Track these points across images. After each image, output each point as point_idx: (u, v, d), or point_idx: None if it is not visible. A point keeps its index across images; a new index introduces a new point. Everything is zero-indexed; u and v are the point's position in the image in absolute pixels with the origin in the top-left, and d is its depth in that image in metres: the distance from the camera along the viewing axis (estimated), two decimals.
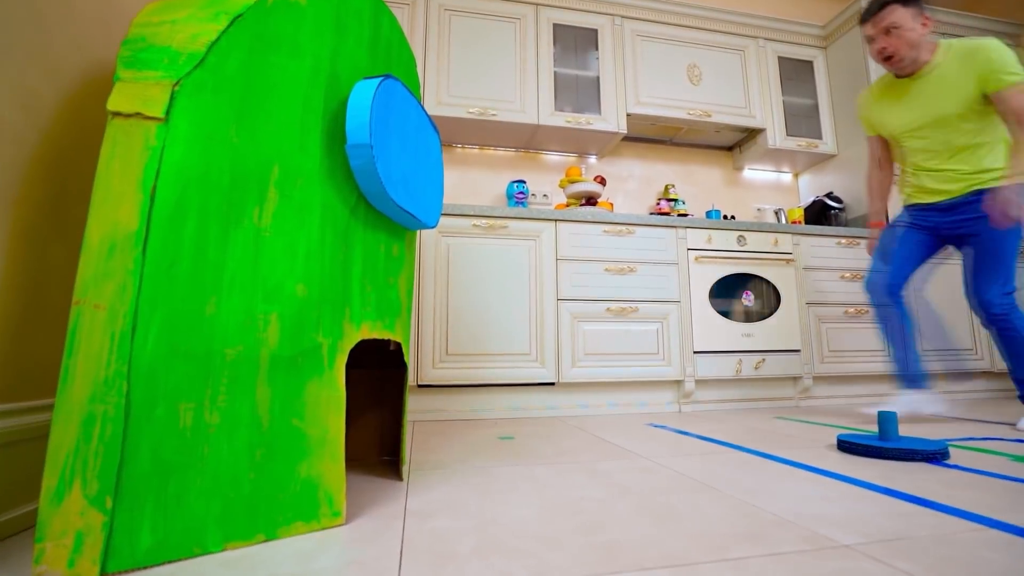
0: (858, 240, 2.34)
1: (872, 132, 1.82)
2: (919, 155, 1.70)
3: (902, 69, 1.60)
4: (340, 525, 0.78)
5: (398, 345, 1.08)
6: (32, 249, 0.81)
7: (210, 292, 0.69)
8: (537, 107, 2.38)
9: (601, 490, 0.93)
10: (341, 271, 0.84)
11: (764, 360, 2.15)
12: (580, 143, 2.59)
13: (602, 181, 2.44)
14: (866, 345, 2.26)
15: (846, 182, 2.66)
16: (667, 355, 2.07)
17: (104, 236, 0.66)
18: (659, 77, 2.53)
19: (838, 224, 2.60)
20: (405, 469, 1.04)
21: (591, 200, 2.39)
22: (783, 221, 2.72)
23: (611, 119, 2.46)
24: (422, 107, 1.04)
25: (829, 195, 2.60)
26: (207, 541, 0.67)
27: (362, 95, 0.83)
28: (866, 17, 1.60)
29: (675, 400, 2.13)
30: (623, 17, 2.55)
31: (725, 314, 2.15)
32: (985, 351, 2.38)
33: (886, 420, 1.23)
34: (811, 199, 2.72)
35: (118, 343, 0.63)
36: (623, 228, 2.10)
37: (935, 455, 1.12)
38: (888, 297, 1.71)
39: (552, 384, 2.00)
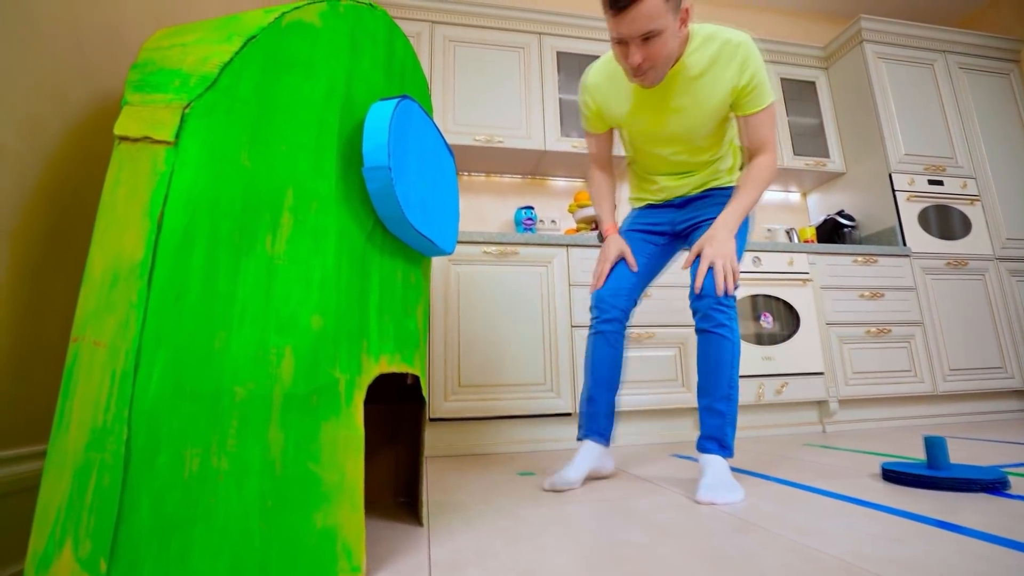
0: (875, 258, 2.29)
1: (600, 128, 1.38)
2: (655, 160, 1.36)
3: (653, 83, 1.16)
4: None
5: (415, 379, 1.01)
6: (31, 283, 0.76)
7: (219, 325, 0.64)
8: (543, 133, 2.38)
9: (641, 532, 0.86)
10: (358, 301, 0.79)
11: (786, 384, 2.07)
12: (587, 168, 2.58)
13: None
14: (892, 366, 2.19)
15: (856, 200, 2.63)
16: (686, 381, 2.00)
17: (107, 267, 0.61)
18: None
19: (851, 242, 2.56)
20: (424, 513, 0.96)
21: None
22: (795, 241, 2.68)
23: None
24: (438, 129, 1.01)
25: (840, 213, 2.57)
26: None
27: (379, 116, 0.79)
28: (616, 4, 1.04)
29: (695, 427, 2.04)
30: None
31: (744, 337, 2.09)
32: (1015, 369, 2.30)
33: (935, 446, 1.15)
34: (822, 218, 2.69)
35: (119, 383, 0.57)
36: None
37: (994, 485, 1.04)
38: (621, 316, 1.32)
39: (568, 415, 1.92)
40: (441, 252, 0.99)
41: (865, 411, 2.20)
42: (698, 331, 1.22)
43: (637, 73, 1.13)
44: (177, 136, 0.66)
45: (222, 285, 0.65)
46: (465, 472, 1.48)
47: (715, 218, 1.29)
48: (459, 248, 1.93)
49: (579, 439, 1.30)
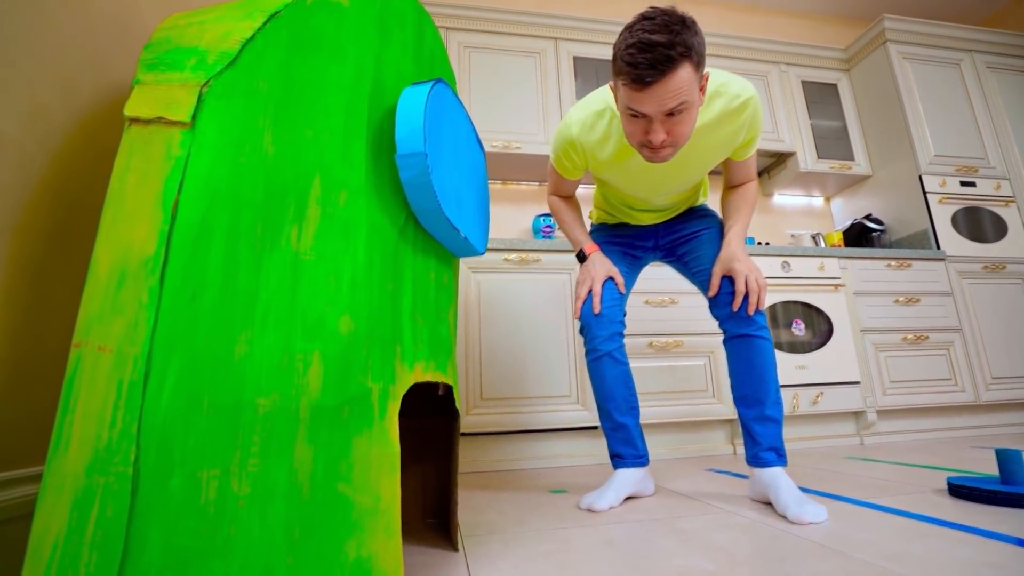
0: (909, 262, 2.20)
1: (576, 175, 1.22)
2: (636, 201, 1.25)
3: (665, 160, 0.99)
4: None
5: (446, 389, 0.93)
6: (31, 284, 0.69)
7: (240, 328, 0.56)
8: None
9: (703, 558, 0.76)
10: (391, 302, 0.72)
11: (822, 394, 1.97)
12: None
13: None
14: (931, 374, 2.08)
15: (884, 203, 2.55)
16: (717, 392, 1.90)
17: (114, 264, 0.54)
18: None
19: (881, 246, 2.47)
20: (458, 536, 0.87)
21: None
22: (821, 246, 2.59)
23: None
24: (470, 120, 0.94)
25: (868, 217, 2.49)
26: None
27: (414, 99, 0.72)
28: (643, 80, 0.85)
29: (728, 440, 1.94)
30: None
31: (776, 345, 1.99)
32: None
33: (1012, 460, 1.05)
34: (849, 222, 2.60)
35: (127, 395, 0.50)
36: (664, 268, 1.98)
37: None
38: (621, 330, 1.22)
39: (595, 428, 1.82)
40: (474, 252, 0.92)
41: (904, 422, 2.09)
42: (733, 338, 1.13)
43: (651, 149, 0.95)
44: (194, 117, 0.59)
45: (243, 283, 0.58)
46: (492, 490, 1.38)
47: (702, 230, 1.26)
48: (478, 256, 1.86)
49: (616, 467, 1.20)
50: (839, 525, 0.91)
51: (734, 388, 1.14)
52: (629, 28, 0.88)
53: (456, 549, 0.87)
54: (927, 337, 2.11)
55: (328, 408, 0.61)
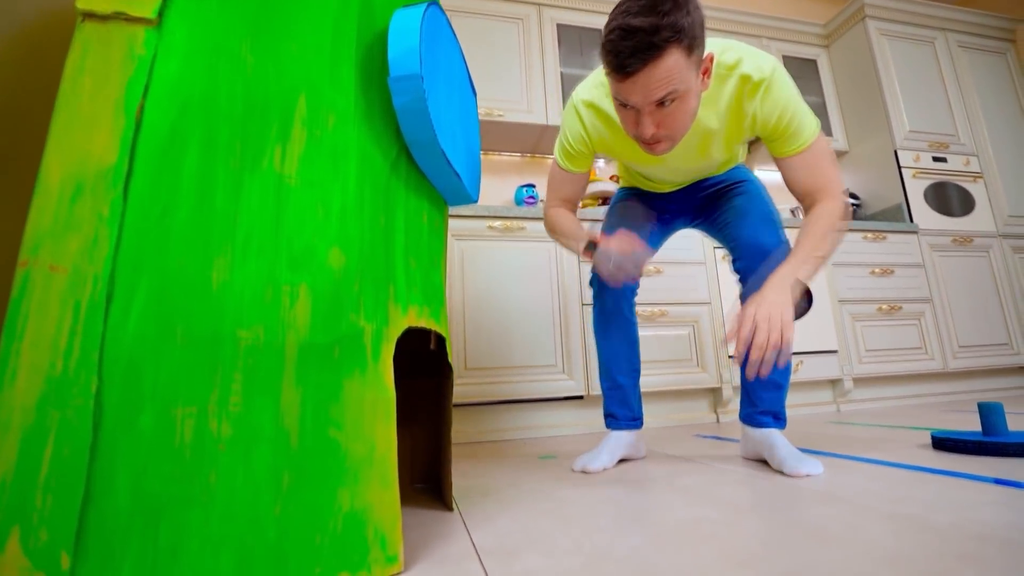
0: (884, 234, 2.24)
1: (585, 165, 1.09)
2: (659, 181, 1.19)
3: (666, 152, 0.90)
4: (398, 574, 0.57)
5: (440, 343, 0.88)
6: None
7: (217, 253, 0.50)
8: (545, 107, 2.26)
9: (711, 509, 0.74)
10: (383, 239, 0.66)
11: (802, 362, 2.00)
12: None
13: (617, 180, 2.31)
14: (903, 343, 2.14)
15: (860, 178, 2.59)
16: (701, 361, 1.90)
17: (68, 174, 0.46)
18: None
19: (857, 220, 2.51)
20: (452, 496, 0.83)
21: (608, 200, 2.26)
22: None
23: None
24: (463, 57, 0.88)
25: (844, 192, 2.52)
26: None
27: (408, 19, 0.66)
28: (624, 69, 0.78)
29: (712, 408, 1.95)
30: None
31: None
32: (1021, 345, 2.28)
33: (993, 412, 1.07)
34: None
35: (85, 319, 0.43)
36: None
37: None
38: (629, 288, 1.14)
39: (581, 398, 1.80)
40: (467, 197, 0.86)
41: (877, 389, 2.15)
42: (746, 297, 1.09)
43: (646, 142, 0.88)
44: (160, 15, 0.52)
45: (221, 204, 0.51)
46: (480, 459, 1.35)
47: (735, 195, 1.11)
48: (463, 222, 1.80)
49: (609, 428, 1.17)
50: (836, 477, 0.91)
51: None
52: (616, 8, 0.79)
53: (450, 509, 0.83)
54: (900, 308, 2.16)
55: (317, 347, 0.55)
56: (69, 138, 0.48)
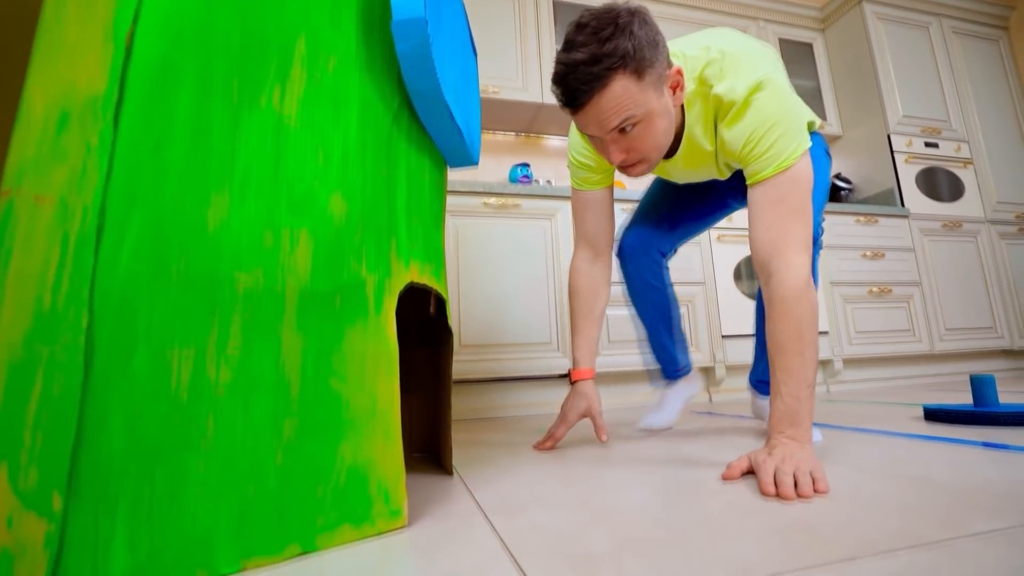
0: (876, 218, 2.26)
1: (603, 181, 1.00)
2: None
3: (647, 173, 0.86)
4: (402, 528, 0.56)
5: (439, 307, 0.87)
6: None
7: (214, 191, 0.48)
8: (540, 86, 2.23)
9: (714, 470, 0.74)
10: (385, 190, 0.64)
11: None
12: None
13: None
14: (892, 325, 2.17)
15: (853, 163, 2.61)
16: (695, 340, 1.91)
17: (52, 102, 0.44)
18: None
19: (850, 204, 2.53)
20: (452, 461, 0.82)
21: None
22: None
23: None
24: (466, 14, 0.85)
25: (838, 176, 2.54)
26: (217, 559, 0.44)
27: None
28: (572, 103, 0.76)
29: (704, 388, 1.96)
30: None
31: (751, 296, 2.02)
32: (1005, 329, 2.33)
33: (985, 384, 1.09)
34: None
35: (74, 252, 0.40)
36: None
37: None
38: (654, 260, 1.11)
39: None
40: (468, 158, 0.84)
41: (866, 371, 2.18)
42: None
43: (621, 168, 0.83)
44: None
45: (217, 141, 0.49)
46: (476, 433, 1.34)
47: None
48: (458, 199, 1.77)
49: (668, 380, 1.21)
50: (834, 444, 0.91)
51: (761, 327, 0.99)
52: (564, 40, 0.76)
53: (450, 474, 0.82)
54: (890, 290, 2.19)
55: (318, 294, 0.53)
56: (53, 65, 0.45)
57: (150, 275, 0.43)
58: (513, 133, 2.47)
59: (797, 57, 2.68)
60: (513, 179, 2.28)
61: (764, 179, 0.76)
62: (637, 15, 0.75)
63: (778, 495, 0.58)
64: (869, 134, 2.50)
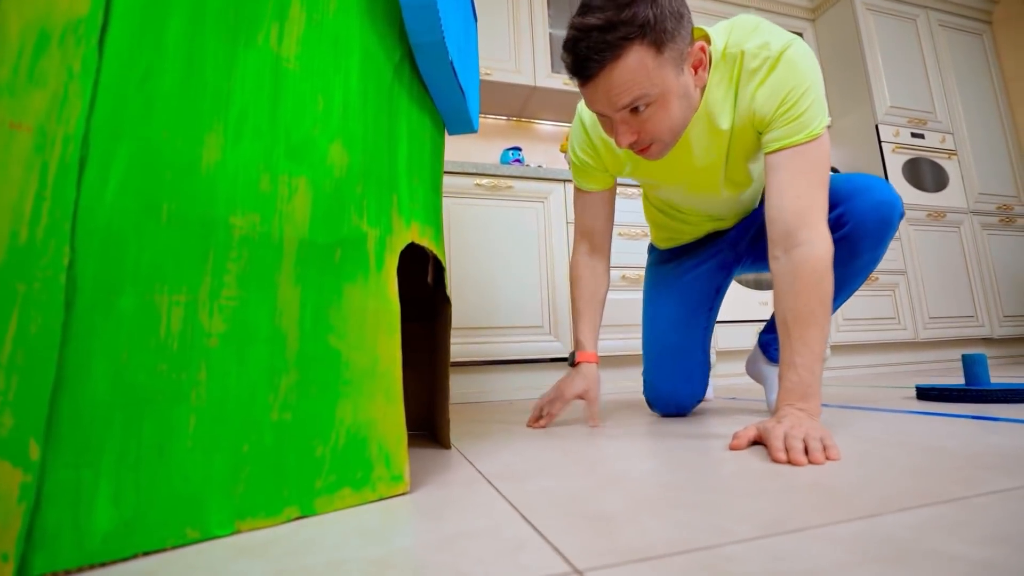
0: None
1: (602, 183, 0.97)
2: (683, 212, 1.04)
3: (660, 157, 0.80)
4: (404, 494, 0.53)
5: (437, 275, 0.84)
6: None
7: (208, 129, 0.44)
8: (533, 69, 2.20)
9: (719, 441, 0.73)
10: (386, 144, 0.61)
11: None
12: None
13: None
14: (878, 313, 2.20)
15: (841, 153, 2.63)
16: None
17: (28, 24, 0.40)
18: None
19: None
20: (449, 435, 0.80)
21: None
22: None
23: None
24: None
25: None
26: (209, 519, 0.41)
27: None
28: (581, 73, 0.71)
29: None
30: None
31: (740, 282, 2.02)
32: (985, 318, 2.38)
33: (976, 363, 1.10)
34: None
35: (54, 183, 0.37)
36: (635, 191, 1.94)
37: None
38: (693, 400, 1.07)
39: (567, 359, 1.79)
40: (468, 123, 0.82)
41: (851, 358, 2.21)
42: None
43: (632, 149, 0.78)
44: None
45: (212, 76, 0.45)
46: (468, 415, 1.32)
47: None
48: (450, 179, 1.74)
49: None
50: (832, 419, 0.91)
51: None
52: (580, 5, 0.71)
53: (448, 447, 0.80)
54: (877, 278, 2.22)
55: (317, 246, 0.51)
56: None
57: (138, 212, 0.40)
58: (504, 117, 2.44)
59: None
60: (504, 162, 2.25)
61: (794, 144, 0.72)
62: None
63: (789, 461, 0.57)
64: (857, 123, 2.52)
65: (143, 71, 0.42)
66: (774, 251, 0.74)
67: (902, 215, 0.87)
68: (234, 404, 0.43)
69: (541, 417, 0.98)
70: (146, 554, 0.38)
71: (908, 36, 2.60)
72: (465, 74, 0.79)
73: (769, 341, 1.07)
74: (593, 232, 1.00)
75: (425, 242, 0.67)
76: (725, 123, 0.80)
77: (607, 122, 0.77)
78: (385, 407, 0.54)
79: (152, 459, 0.39)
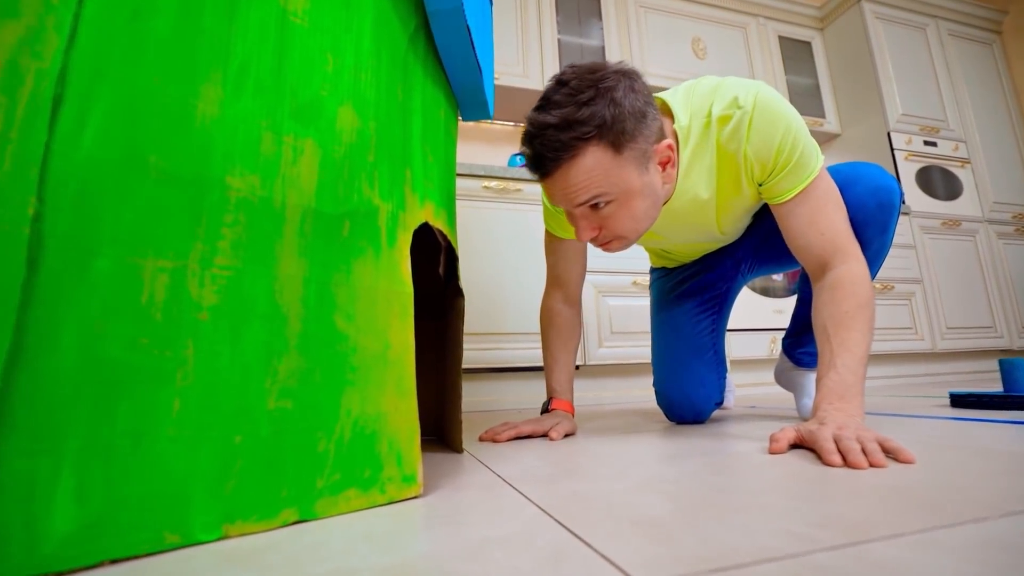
0: None
1: (569, 234, 0.90)
2: (673, 249, 1.02)
3: (623, 249, 0.78)
4: (417, 497, 0.47)
5: (449, 264, 0.79)
6: None
7: (204, 79, 0.40)
8: (541, 73, 2.18)
9: (753, 444, 0.67)
10: (400, 114, 0.56)
11: None
12: None
13: None
14: (895, 323, 2.14)
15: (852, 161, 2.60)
16: None
17: None
18: (665, 49, 2.40)
19: None
20: (461, 439, 0.74)
21: None
22: None
23: None
24: None
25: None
26: (192, 521, 0.35)
27: None
28: (536, 170, 0.69)
29: None
30: None
31: (752, 289, 1.97)
32: (1004, 328, 2.31)
33: (1016, 368, 1.04)
34: None
35: (21, 124, 0.32)
36: None
37: None
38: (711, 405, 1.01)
39: (579, 367, 1.72)
40: (483, 105, 0.77)
41: (870, 369, 2.14)
42: None
43: (594, 244, 0.75)
44: None
45: (210, 22, 0.41)
46: (477, 423, 1.25)
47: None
48: (458, 181, 1.69)
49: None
50: (872, 425, 0.85)
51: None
52: (541, 96, 0.69)
53: (460, 451, 0.73)
54: (893, 287, 2.16)
55: (324, 216, 0.45)
56: None
57: (120, 164, 0.35)
58: (512, 123, 2.41)
59: (796, 55, 2.67)
60: (511, 167, 2.21)
61: (802, 191, 0.70)
62: (626, 79, 0.66)
63: (847, 464, 0.51)
64: (868, 132, 2.49)
65: (133, 8, 0.37)
66: (814, 283, 0.73)
67: (902, 196, 0.84)
68: (226, 388, 0.38)
69: (509, 429, 0.84)
70: (114, 562, 0.32)
71: (918, 45, 2.58)
72: (481, 52, 0.74)
73: (792, 344, 1.02)
74: (568, 282, 0.95)
75: (440, 224, 0.62)
76: (705, 193, 0.77)
77: (569, 215, 0.73)
78: (397, 399, 0.48)
79: (126, 448, 0.33)
